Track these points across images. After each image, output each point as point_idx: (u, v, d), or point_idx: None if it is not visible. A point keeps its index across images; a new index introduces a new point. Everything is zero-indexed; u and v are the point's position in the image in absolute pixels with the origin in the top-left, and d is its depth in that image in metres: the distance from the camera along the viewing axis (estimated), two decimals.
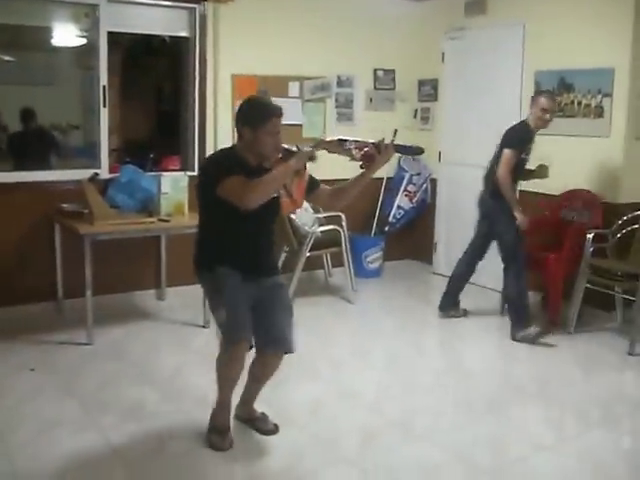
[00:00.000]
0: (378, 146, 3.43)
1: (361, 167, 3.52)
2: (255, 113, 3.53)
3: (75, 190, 5.49)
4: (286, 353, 3.71)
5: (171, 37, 6.75)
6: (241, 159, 3.54)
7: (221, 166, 3.51)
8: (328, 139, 3.54)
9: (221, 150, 3.92)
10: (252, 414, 3.94)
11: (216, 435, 3.72)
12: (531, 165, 5.57)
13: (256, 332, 3.62)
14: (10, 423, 3.89)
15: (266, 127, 3.46)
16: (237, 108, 3.63)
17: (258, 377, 3.84)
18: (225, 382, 3.67)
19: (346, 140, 3.47)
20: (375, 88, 7.27)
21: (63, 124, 7.44)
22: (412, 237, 7.59)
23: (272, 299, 3.71)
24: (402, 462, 3.61)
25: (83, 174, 5.68)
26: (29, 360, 4.82)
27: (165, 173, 5.66)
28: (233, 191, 3.37)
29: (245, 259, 3.61)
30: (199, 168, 3.94)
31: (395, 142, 3.48)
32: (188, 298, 5.87)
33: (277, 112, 3.51)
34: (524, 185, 6.22)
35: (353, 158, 3.45)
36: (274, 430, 3.87)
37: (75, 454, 3.59)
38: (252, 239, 3.62)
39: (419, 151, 3.68)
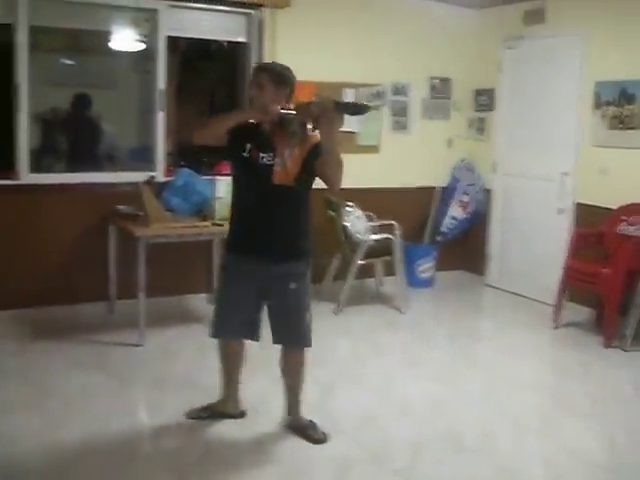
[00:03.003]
0: (318, 104, 3.41)
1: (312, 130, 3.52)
2: None
3: (131, 192, 5.55)
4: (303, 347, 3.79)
5: (228, 42, 6.81)
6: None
7: None
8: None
9: None
10: (300, 422, 3.92)
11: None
12: None
13: (271, 328, 3.75)
14: (60, 420, 3.94)
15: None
16: None
17: (284, 373, 3.88)
18: (221, 371, 3.92)
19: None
20: (431, 97, 7.22)
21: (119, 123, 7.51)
22: (465, 248, 7.49)
23: (281, 293, 3.67)
24: (452, 475, 3.56)
25: (139, 177, 5.74)
26: (81, 359, 4.89)
27: (220, 177, 5.67)
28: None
29: (245, 240, 3.65)
30: None
31: (337, 100, 3.51)
32: None
33: (256, 67, 3.79)
34: (581, 197, 6.15)
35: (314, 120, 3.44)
36: (323, 439, 3.83)
37: (123, 454, 3.63)
38: (252, 217, 3.63)
39: (364, 109, 3.56)
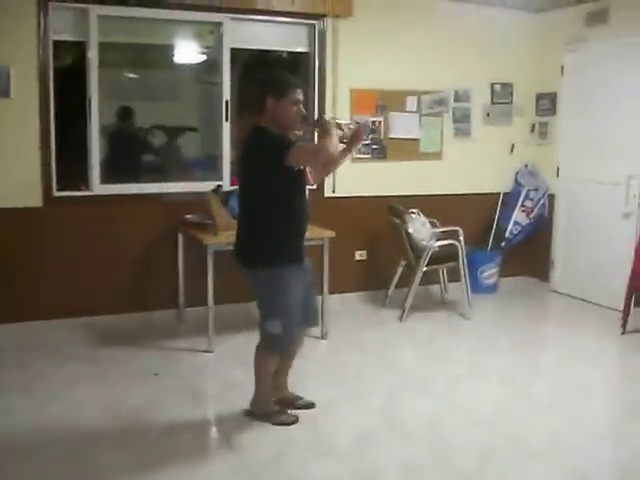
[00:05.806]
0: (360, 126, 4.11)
1: (342, 142, 3.85)
2: (279, 84, 3.78)
3: (197, 202, 5.66)
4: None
5: (289, 52, 6.87)
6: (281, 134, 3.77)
7: (281, 139, 3.71)
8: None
9: (261, 129, 3.79)
10: (288, 395, 4.25)
11: (278, 415, 4.09)
12: None
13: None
14: (135, 424, 4.06)
15: (291, 97, 3.74)
16: (258, 81, 3.92)
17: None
18: (265, 376, 4.10)
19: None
20: (492, 102, 7.19)
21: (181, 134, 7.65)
22: (529, 253, 7.42)
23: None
24: None
25: (205, 186, 5.84)
26: (153, 365, 5.01)
27: None
28: (310, 155, 3.75)
29: (301, 248, 3.96)
30: (247, 150, 3.88)
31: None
32: None
33: (299, 84, 3.86)
34: None
35: (344, 135, 3.88)
36: (312, 404, 4.26)
37: (197, 459, 3.71)
38: (304, 224, 3.99)
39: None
